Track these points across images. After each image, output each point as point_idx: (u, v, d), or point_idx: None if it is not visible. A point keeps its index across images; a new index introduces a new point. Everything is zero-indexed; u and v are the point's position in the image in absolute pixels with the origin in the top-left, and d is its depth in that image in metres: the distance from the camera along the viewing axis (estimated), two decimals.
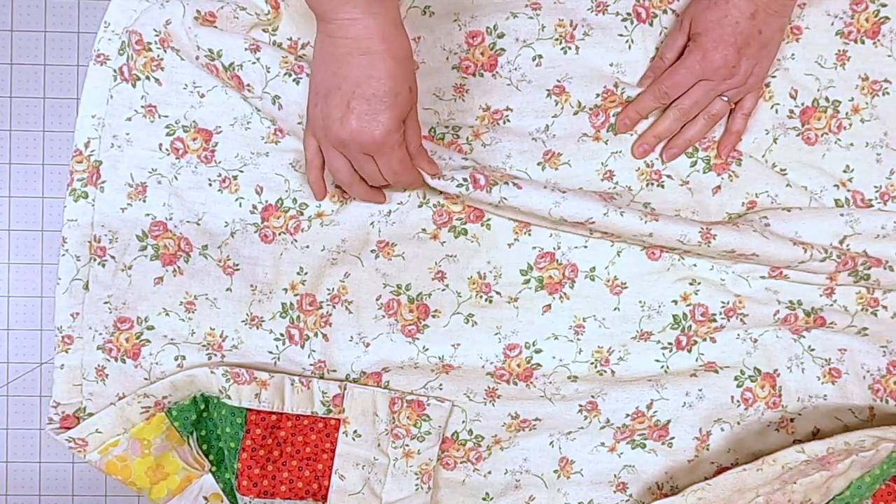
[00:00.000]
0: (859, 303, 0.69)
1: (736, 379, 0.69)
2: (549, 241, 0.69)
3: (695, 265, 0.69)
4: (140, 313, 0.69)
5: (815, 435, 0.69)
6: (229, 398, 0.67)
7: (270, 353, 0.69)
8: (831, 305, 0.69)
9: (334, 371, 0.70)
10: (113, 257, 0.69)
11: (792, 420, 0.69)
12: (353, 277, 0.69)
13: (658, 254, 0.69)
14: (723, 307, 0.69)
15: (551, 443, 0.71)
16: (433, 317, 0.69)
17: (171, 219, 0.69)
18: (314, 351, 0.69)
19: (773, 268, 0.67)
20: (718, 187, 0.68)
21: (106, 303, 0.69)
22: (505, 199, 0.63)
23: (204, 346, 0.69)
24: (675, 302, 0.69)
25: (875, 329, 0.69)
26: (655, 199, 0.68)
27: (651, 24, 0.68)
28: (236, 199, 0.69)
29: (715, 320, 0.69)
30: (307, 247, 0.69)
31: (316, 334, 0.69)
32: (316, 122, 0.59)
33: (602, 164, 0.68)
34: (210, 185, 0.69)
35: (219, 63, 0.65)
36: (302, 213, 0.69)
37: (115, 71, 0.68)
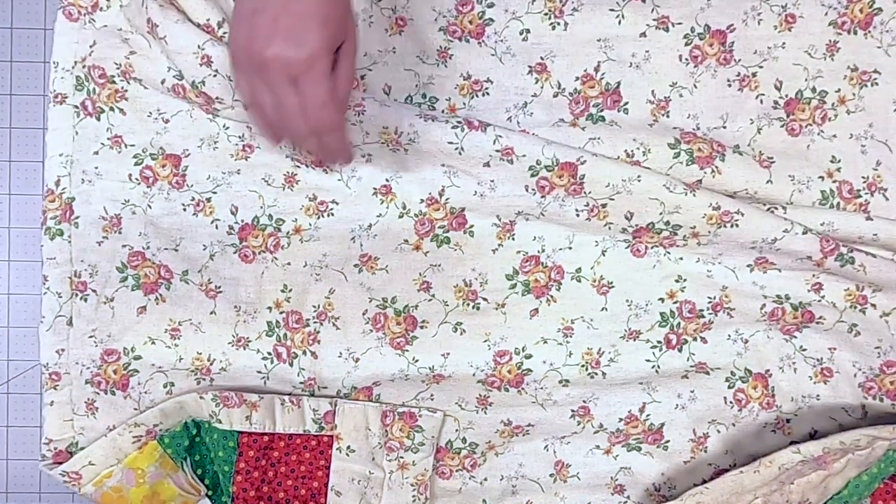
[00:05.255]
0: (847, 299, 0.67)
1: (727, 380, 0.69)
2: (533, 244, 0.68)
3: (681, 258, 0.67)
4: (126, 344, 0.68)
5: (813, 436, 0.68)
6: (220, 422, 0.67)
7: (259, 372, 0.69)
8: (819, 301, 0.67)
9: (325, 388, 0.69)
10: (94, 291, 0.68)
11: (788, 421, 0.68)
12: (337, 293, 0.68)
13: (643, 250, 0.67)
14: (709, 302, 0.68)
15: (546, 447, 0.70)
16: (421, 328, 0.68)
17: (148, 248, 0.68)
18: (303, 369, 0.68)
19: (759, 259, 0.66)
20: (699, 181, 0.66)
21: (91, 336, 0.68)
22: (500, 136, 0.63)
23: (192, 371, 0.69)
24: (662, 300, 0.68)
25: (865, 328, 0.67)
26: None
27: (644, 1, 0.66)
28: (212, 222, 0.67)
29: (703, 316, 0.68)
30: (288, 264, 0.68)
31: (304, 352, 0.68)
32: (238, 43, 0.52)
33: (580, 149, 0.66)
34: (184, 209, 0.67)
35: (185, 83, 0.63)
36: (279, 230, 0.68)
37: (75, 107, 0.67)
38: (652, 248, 0.67)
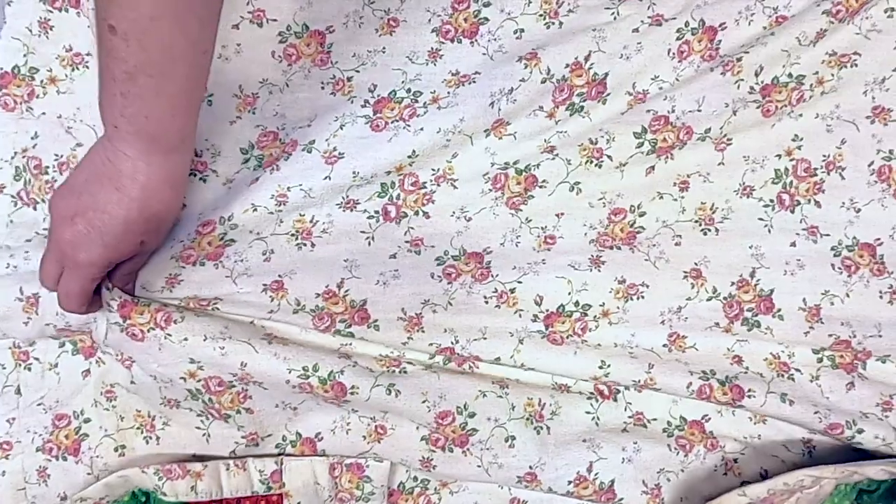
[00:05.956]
0: (771, 368, 0.65)
1: (665, 430, 0.67)
2: (444, 336, 0.65)
3: (599, 344, 0.66)
4: (75, 407, 0.68)
5: (764, 476, 0.66)
6: (165, 495, 0.66)
7: (198, 428, 0.67)
8: (745, 373, 0.65)
9: (269, 435, 0.67)
10: (37, 359, 0.68)
11: (735, 461, 0.67)
12: (251, 366, 0.63)
13: (560, 340, 0.66)
14: (634, 384, 0.67)
15: (500, 487, 0.70)
16: (352, 393, 0.65)
17: (69, 325, 0.66)
18: (242, 426, 0.66)
19: (671, 335, 0.65)
20: (653, 168, 0.65)
21: (39, 404, 0.68)
22: (412, 228, 0.62)
23: (137, 428, 0.68)
24: (587, 381, 0.67)
25: (797, 395, 0.65)
26: (585, 178, 0.65)
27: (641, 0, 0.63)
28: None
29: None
30: (185, 339, 0.61)
31: (238, 411, 0.66)
32: (52, 204, 0.57)
33: (545, 140, 0.64)
34: None
35: None
36: (166, 306, 0.62)
37: (13, 196, 0.66)
38: (567, 337, 0.66)
